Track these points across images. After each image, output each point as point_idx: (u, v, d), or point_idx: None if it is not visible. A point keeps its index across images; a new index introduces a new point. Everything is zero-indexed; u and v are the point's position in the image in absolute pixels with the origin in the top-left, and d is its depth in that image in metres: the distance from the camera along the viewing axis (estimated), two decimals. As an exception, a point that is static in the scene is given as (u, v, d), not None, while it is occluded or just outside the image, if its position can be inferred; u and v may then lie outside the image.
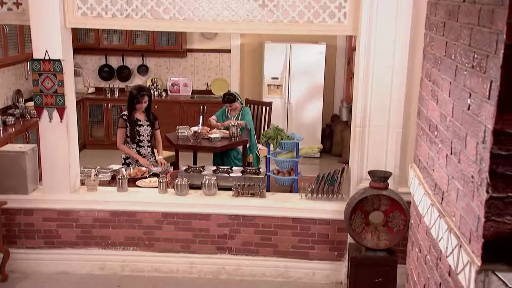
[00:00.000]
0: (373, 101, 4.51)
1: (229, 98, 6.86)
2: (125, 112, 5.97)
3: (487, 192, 1.68)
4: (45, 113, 4.74)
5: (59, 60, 4.62)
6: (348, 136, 5.52)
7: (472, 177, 1.82)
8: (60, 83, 4.69)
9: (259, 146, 7.13)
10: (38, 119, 4.79)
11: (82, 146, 8.94)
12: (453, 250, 1.96)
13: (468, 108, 1.88)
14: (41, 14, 4.53)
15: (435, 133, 2.34)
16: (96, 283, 4.88)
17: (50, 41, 4.59)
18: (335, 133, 9.13)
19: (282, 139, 5.05)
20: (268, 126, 7.77)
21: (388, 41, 4.37)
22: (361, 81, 4.51)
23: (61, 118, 4.74)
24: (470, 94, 1.86)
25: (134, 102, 5.85)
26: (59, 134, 4.77)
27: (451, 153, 2.09)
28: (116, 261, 5.01)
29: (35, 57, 4.63)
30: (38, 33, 4.59)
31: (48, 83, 4.68)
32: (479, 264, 1.72)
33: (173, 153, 6.75)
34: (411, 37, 4.34)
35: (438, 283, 2.19)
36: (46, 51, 4.61)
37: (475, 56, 1.80)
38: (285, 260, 4.93)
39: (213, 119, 7.01)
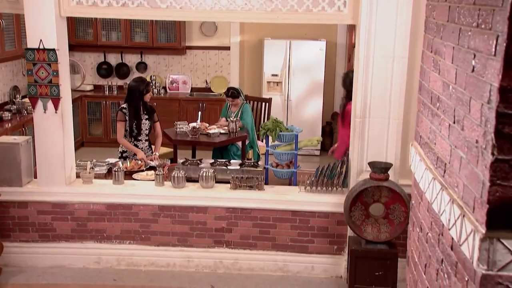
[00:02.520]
0: (373, 91, 4.45)
1: (233, 93, 6.85)
2: (124, 106, 5.88)
3: (492, 154, 1.60)
4: (39, 104, 4.66)
5: (53, 50, 4.55)
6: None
7: (477, 141, 1.74)
8: (55, 73, 4.61)
9: (259, 143, 7.07)
10: (32, 109, 4.71)
11: (80, 144, 8.88)
12: (455, 221, 1.87)
13: (472, 70, 1.80)
14: (36, 2, 4.46)
15: (437, 105, 2.27)
16: (92, 277, 4.80)
17: (45, 30, 4.53)
18: (335, 131, 9.04)
19: (281, 131, 4.98)
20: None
21: (389, 30, 4.31)
22: (361, 71, 4.44)
23: (56, 109, 4.67)
24: (475, 55, 1.78)
25: (142, 94, 5.82)
26: (54, 125, 4.70)
27: (454, 122, 2.01)
28: (112, 255, 4.93)
29: (29, 46, 4.56)
30: (32, 22, 4.53)
31: (42, 73, 4.61)
32: (484, 231, 1.64)
33: (171, 149, 6.67)
34: (412, 26, 4.27)
35: (440, 259, 2.10)
36: (41, 40, 4.54)
37: (480, 13, 1.72)
38: (284, 254, 4.85)
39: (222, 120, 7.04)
